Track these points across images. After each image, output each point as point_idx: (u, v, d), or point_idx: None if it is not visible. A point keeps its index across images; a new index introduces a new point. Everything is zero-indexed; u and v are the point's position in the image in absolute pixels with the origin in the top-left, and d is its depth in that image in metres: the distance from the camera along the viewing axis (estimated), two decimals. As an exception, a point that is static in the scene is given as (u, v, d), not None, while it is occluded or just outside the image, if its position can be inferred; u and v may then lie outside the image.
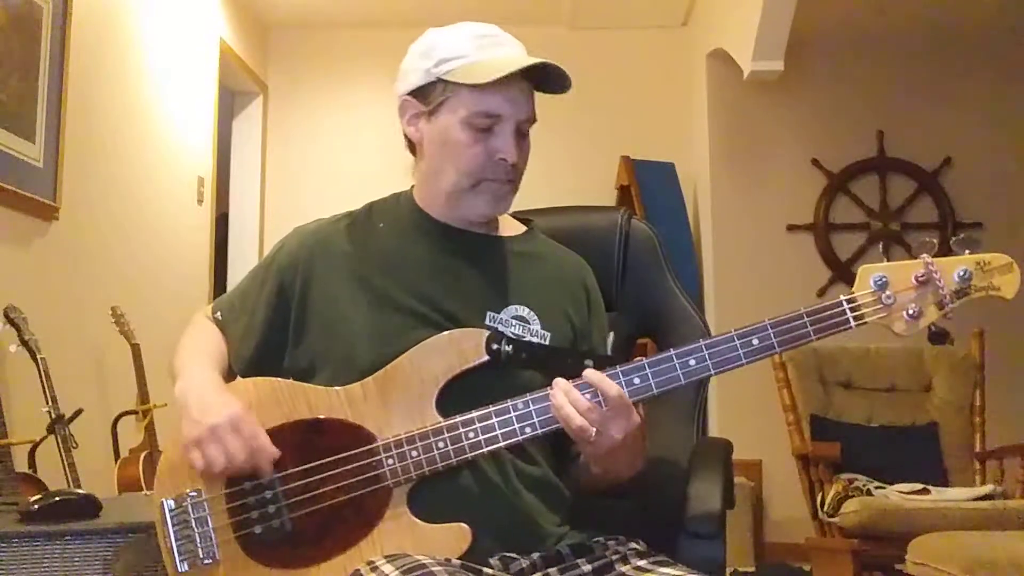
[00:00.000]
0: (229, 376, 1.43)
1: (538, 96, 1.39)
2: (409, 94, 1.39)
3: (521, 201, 1.55)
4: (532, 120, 1.37)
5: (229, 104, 5.35)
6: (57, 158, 3.20)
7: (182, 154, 4.39)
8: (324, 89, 5.53)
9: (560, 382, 1.22)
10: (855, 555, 3.12)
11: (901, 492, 3.24)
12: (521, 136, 1.37)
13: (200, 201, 4.58)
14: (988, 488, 3.31)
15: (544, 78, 1.35)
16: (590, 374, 1.22)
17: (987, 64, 4.97)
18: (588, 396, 1.21)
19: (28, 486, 2.54)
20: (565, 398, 1.21)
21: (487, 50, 1.34)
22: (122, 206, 3.77)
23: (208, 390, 1.31)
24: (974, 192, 4.94)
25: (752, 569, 4.29)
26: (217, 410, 1.26)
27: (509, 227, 1.49)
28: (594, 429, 1.20)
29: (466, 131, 1.34)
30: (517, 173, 1.38)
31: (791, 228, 4.99)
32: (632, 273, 1.65)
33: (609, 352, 1.50)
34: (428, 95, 1.37)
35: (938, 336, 1.23)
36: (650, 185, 4.91)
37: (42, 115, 3.12)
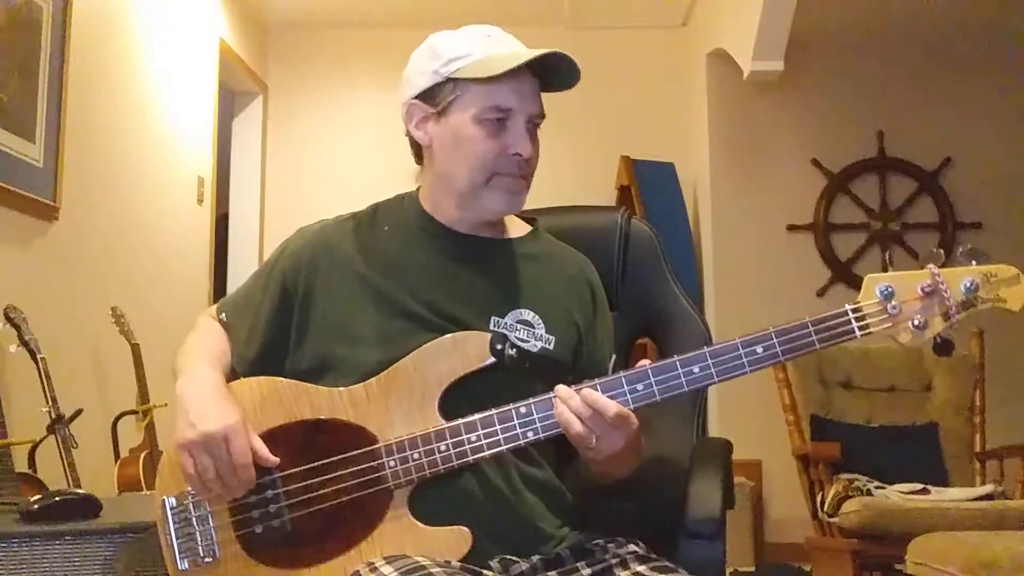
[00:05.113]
0: (232, 377, 1.42)
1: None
2: (416, 97, 1.38)
3: (521, 200, 1.55)
4: (542, 116, 1.37)
5: (229, 104, 5.34)
6: (57, 158, 3.19)
7: (182, 154, 4.39)
8: (324, 89, 5.52)
9: (562, 389, 1.22)
10: (855, 555, 3.12)
11: (901, 492, 3.24)
12: (532, 132, 1.37)
13: (200, 201, 4.57)
14: (988, 488, 3.31)
15: (550, 75, 1.36)
16: (588, 394, 1.20)
17: (987, 64, 4.97)
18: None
19: (28, 486, 2.53)
20: (565, 405, 1.21)
21: (494, 47, 1.34)
22: (122, 206, 3.77)
23: (208, 394, 1.30)
24: (974, 192, 4.94)
25: (752, 569, 4.29)
26: (214, 418, 1.24)
27: (514, 227, 1.48)
28: (594, 437, 1.20)
29: (478, 127, 1.33)
30: (530, 169, 1.37)
31: (791, 228, 4.99)
32: (632, 273, 1.64)
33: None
34: (436, 96, 1.36)
35: (943, 347, 1.22)
36: (650, 185, 4.91)
37: (42, 115, 3.12)
